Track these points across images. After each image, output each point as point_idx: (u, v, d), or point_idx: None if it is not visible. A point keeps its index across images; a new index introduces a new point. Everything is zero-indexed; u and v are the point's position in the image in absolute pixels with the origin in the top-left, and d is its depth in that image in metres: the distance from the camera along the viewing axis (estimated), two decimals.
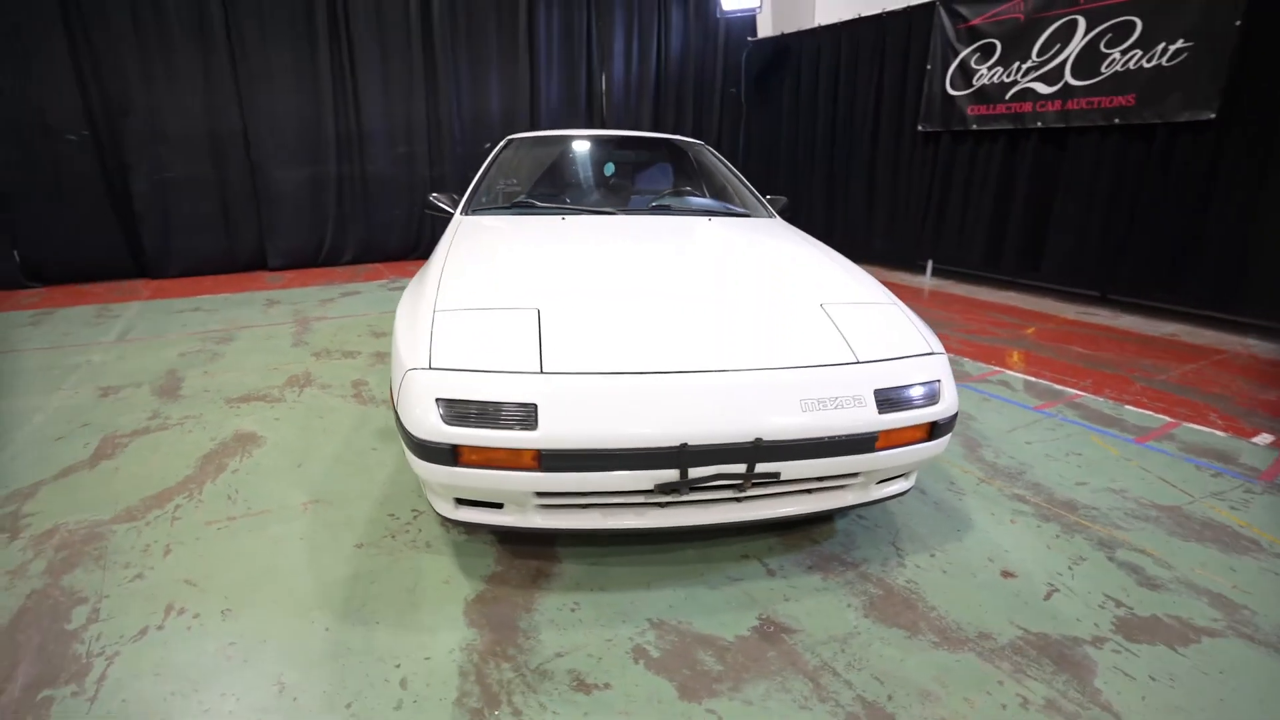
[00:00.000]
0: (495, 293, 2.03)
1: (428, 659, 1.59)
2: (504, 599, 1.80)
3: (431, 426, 1.59)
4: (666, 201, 3.24)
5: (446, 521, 1.93)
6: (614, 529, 1.77)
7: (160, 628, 1.68)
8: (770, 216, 3.19)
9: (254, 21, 5.87)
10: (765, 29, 8.14)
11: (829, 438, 1.68)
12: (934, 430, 1.82)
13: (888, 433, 1.75)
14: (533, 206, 3.01)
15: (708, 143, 7.82)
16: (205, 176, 5.95)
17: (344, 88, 6.40)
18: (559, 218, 2.84)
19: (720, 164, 3.60)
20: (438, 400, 1.61)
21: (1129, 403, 3.25)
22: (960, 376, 3.62)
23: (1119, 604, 1.81)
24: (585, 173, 3.55)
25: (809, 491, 1.89)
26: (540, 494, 1.69)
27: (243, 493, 2.32)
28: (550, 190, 3.44)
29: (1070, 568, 1.97)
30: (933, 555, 2.02)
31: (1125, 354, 4.06)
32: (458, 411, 1.60)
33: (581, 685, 1.51)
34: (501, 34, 7.02)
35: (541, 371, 1.67)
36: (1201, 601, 1.82)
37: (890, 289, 2.24)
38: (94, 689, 1.48)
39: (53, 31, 5.19)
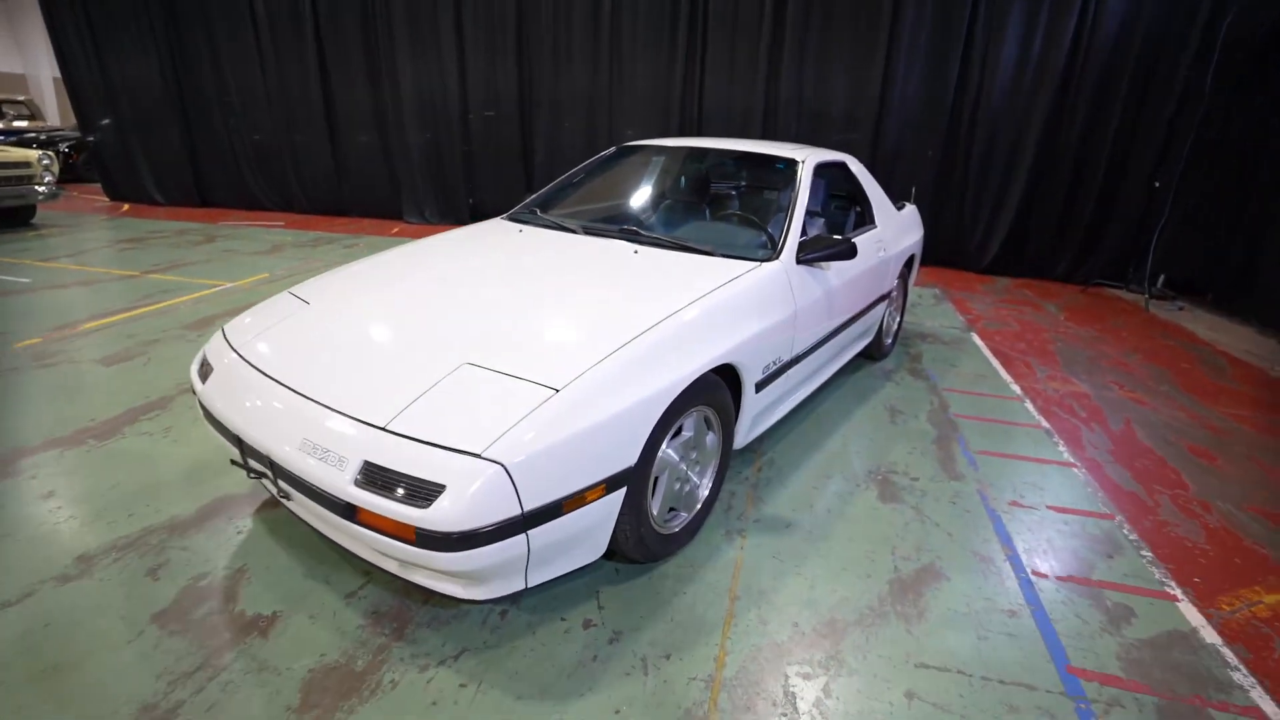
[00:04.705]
0: (324, 287, 2.53)
1: (176, 508, 2.39)
2: (234, 502, 2.43)
3: (191, 369, 2.31)
4: (669, 233, 2.94)
5: None
6: (264, 486, 2.15)
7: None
8: (761, 263, 2.58)
9: (630, 28, 7.20)
10: None
11: (308, 484, 1.70)
12: (425, 538, 1.55)
13: (369, 512, 1.62)
14: (536, 218, 3.19)
15: (1143, 151, 5.60)
16: (578, 151, 7.68)
17: (694, 73, 7.20)
18: (520, 229, 3.01)
19: (806, 188, 2.96)
20: (203, 351, 2.31)
21: None
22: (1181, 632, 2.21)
23: None
24: (638, 190, 3.42)
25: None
26: None
27: None
28: (584, 206, 3.47)
29: None
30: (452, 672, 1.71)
31: None
32: (200, 363, 2.27)
33: (152, 574, 2.06)
34: (859, 24, 6.50)
35: (236, 351, 2.16)
36: None
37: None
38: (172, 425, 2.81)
39: (510, 57, 7.65)
